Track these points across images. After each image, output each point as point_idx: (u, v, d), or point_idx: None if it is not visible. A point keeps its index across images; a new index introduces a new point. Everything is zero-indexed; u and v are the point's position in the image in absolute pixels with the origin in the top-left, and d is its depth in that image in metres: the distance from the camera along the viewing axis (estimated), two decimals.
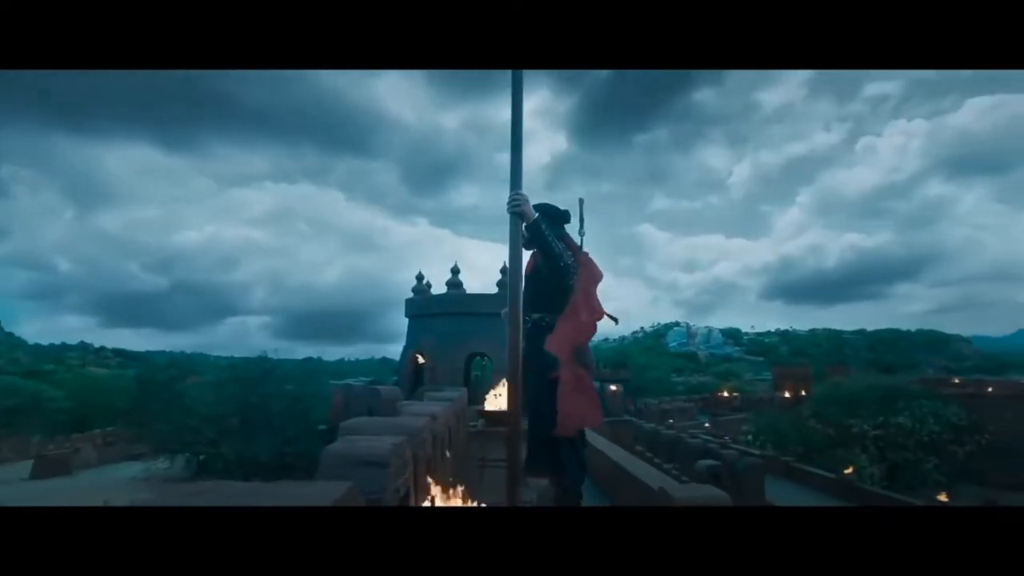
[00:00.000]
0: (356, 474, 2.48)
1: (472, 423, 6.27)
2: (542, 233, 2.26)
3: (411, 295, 16.96)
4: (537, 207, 2.72)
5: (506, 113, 2.06)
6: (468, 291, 16.38)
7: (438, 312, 15.67)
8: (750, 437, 26.95)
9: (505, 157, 2.08)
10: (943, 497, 19.45)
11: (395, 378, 17.42)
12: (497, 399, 6.85)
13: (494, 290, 15.73)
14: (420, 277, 17.26)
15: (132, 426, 22.81)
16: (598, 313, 2.41)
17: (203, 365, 42.37)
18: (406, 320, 16.82)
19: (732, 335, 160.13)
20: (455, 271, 16.31)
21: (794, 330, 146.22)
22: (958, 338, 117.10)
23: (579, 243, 2.59)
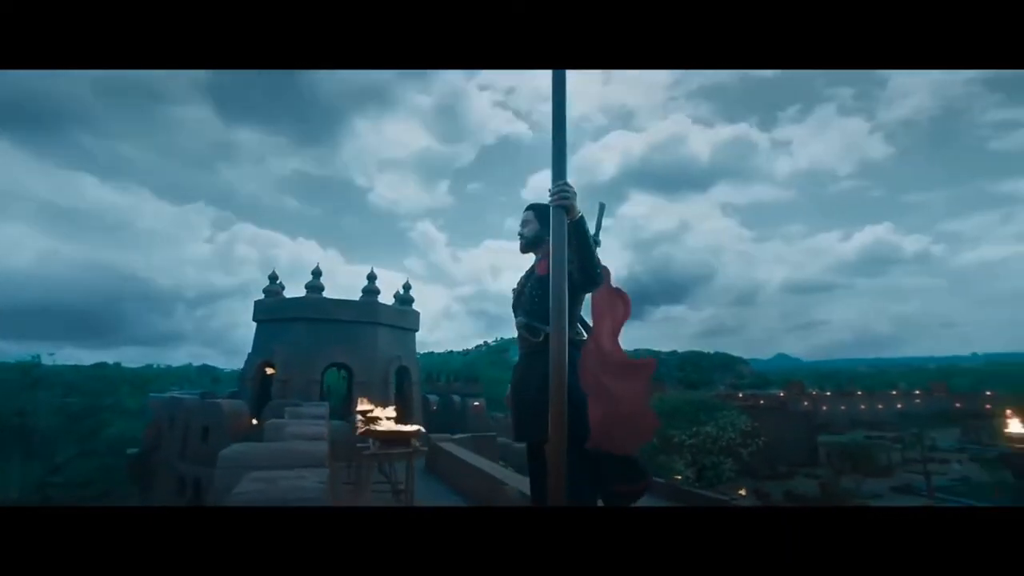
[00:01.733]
0: None
1: (362, 444, 5.61)
2: (586, 233, 1.97)
3: (261, 296, 14.92)
4: (536, 207, 2.50)
5: None
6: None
7: (294, 317, 13.96)
8: None
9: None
10: (742, 492, 23.24)
11: (232, 390, 15.04)
12: (387, 419, 6.33)
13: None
14: (274, 277, 15.31)
15: None
16: (613, 336, 2.18)
17: None
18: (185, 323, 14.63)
19: None
20: (316, 273, 14.78)
21: (657, 349, 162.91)
22: (740, 360, 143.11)
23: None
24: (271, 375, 13.84)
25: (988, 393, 56.92)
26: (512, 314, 2.53)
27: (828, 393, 60.59)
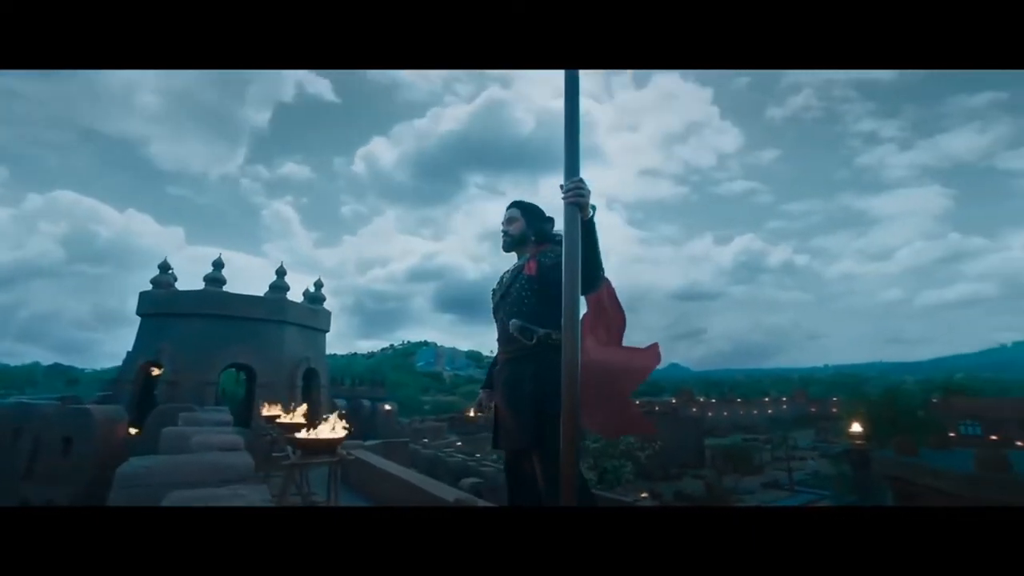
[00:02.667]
0: None
1: (279, 454, 5.07)
2: (595, 233, 1.86)
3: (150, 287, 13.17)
4: (522, 205, 2.42)
5: None
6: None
7: (189, 312, 12.48)
8: (496, 455, 29.56)
9: None
10: (644, 495, 24.60)
11: (102, 393, 13.08)
12: (304, 425, 5.79)
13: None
14: (165, 266, 13.60)
15: None
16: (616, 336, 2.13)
17: None
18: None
19: (475, 358, 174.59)
20: (218, 264, 13.38)
21: None
22: None
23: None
24: (156, 376, 12.26)
25: (835, 399, 66.48)
26: (492, 315, 2.40)
27: (713, 400, 66.52)
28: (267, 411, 8.91)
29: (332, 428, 5.03)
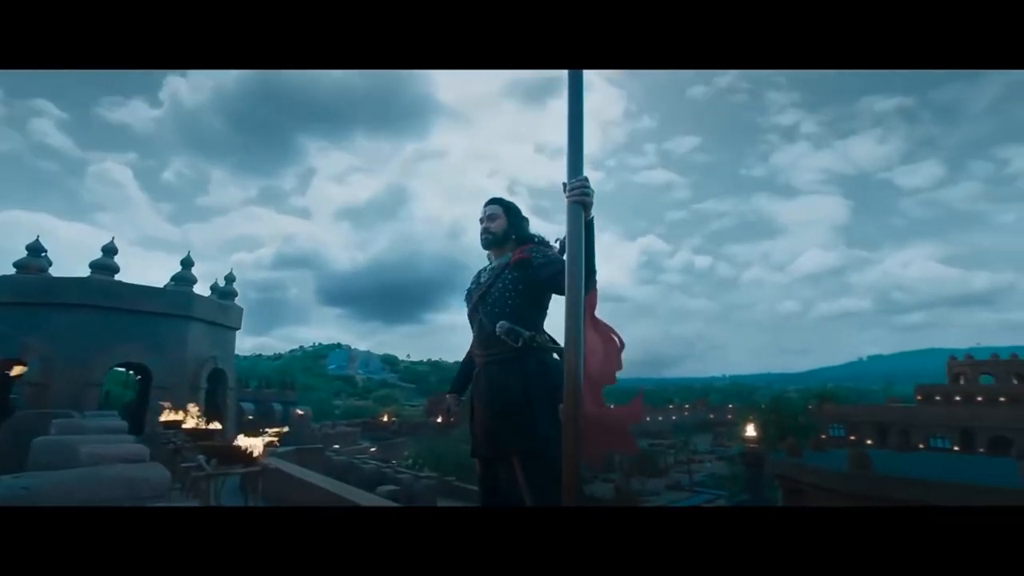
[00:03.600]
0: None
1: (188, 464, 4.46)
2: (593, 234, 1.80)
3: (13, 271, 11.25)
4: (504, 202, 2.34)
5: None
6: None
7: (68, 303, 10.76)
8: (410, 461, 28.90)
9: None
10: None
11: None
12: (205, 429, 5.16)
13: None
14: (36, 248, 11.70)
15: None
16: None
17: None
18: None
19: (390, 361, 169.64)
20: (109, 250, 11.74)
21: (443, 360, 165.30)
22: None
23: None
24: (14, 377, 10.48)
25: (731, 406, 73.55)
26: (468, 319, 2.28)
27: None
28: (167, 416, 8.00)
29: (260, 436, 4.55)
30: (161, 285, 12.40)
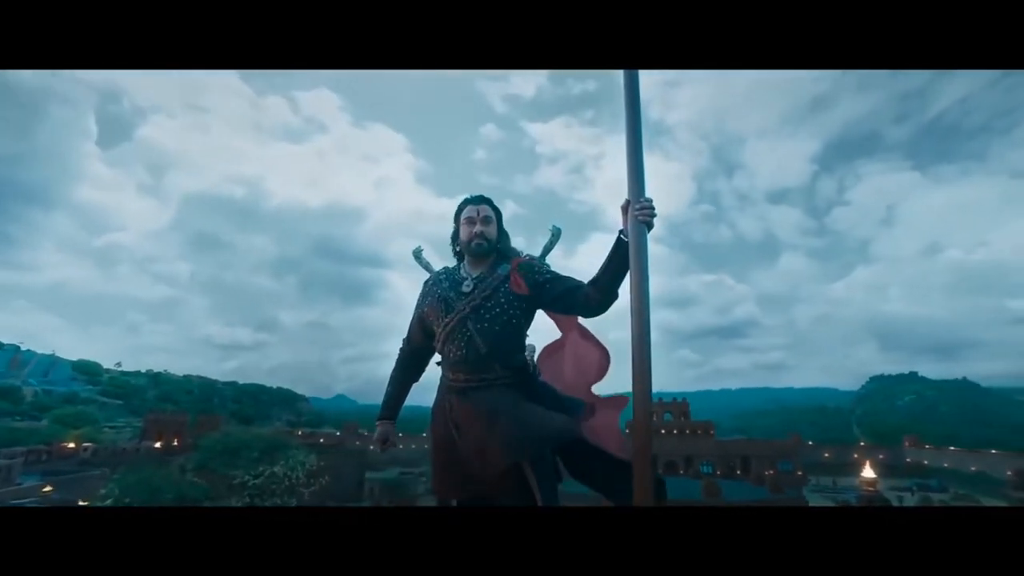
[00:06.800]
0: None
1: None
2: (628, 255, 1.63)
3: None
4: (493, 204, 2.06)
5: None
6: None
7: None
8: (110, 500, 23.46)
9: None
10: None
11: None
12: None
13: None
14: None
15: None
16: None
17: None
18: None
19: (88, 370, 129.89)
20: None
21: (167, 373, 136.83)
22: (302, 397, 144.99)
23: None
24: None
25: None
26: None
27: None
28: None
29: None
30: None
